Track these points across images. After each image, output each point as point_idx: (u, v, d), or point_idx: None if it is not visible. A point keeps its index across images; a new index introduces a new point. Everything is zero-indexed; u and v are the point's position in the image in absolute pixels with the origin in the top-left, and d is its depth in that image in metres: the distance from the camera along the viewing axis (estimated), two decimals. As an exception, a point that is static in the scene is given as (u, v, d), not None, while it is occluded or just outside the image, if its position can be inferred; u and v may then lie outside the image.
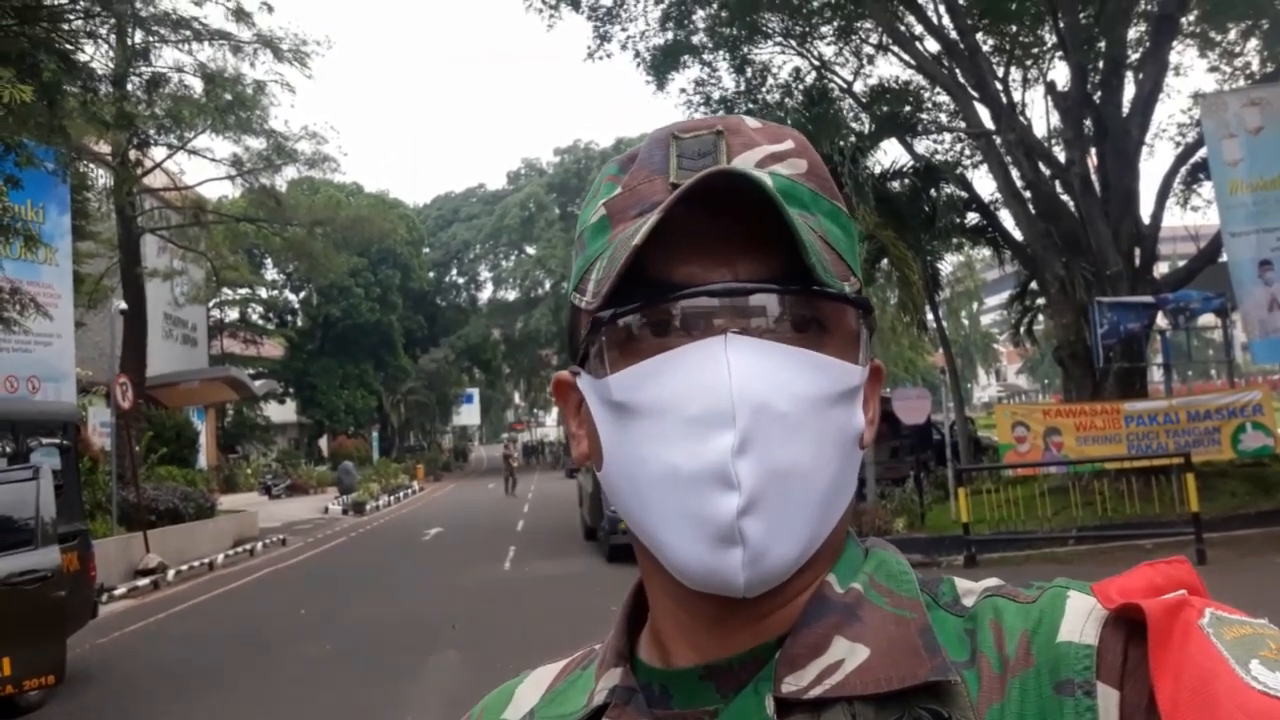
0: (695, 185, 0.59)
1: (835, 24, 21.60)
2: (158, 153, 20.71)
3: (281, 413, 45.28)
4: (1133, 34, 18.67)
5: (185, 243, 22.95)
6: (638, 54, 21.27)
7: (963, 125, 19.26)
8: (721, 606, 0.62)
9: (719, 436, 0.58)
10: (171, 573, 15.69)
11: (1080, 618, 0.58)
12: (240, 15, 16.41)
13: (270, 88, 18.25)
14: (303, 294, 46.43)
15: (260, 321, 44.66)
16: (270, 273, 42.91)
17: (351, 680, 8.47)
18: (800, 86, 21.54)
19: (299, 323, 46.88)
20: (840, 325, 0.63)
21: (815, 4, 20.87)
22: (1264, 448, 13.71)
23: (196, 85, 16.91)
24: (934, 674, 0.57)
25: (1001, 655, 0.59)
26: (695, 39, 21.47)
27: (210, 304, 35.47)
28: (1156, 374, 20.01)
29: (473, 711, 0.80)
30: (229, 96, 16.69)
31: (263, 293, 43.61)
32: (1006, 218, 18.92)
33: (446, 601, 12.49)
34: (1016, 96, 19.43)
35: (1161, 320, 16.47)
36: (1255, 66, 21.50)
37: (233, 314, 41.69)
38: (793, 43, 21.81)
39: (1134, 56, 18.26)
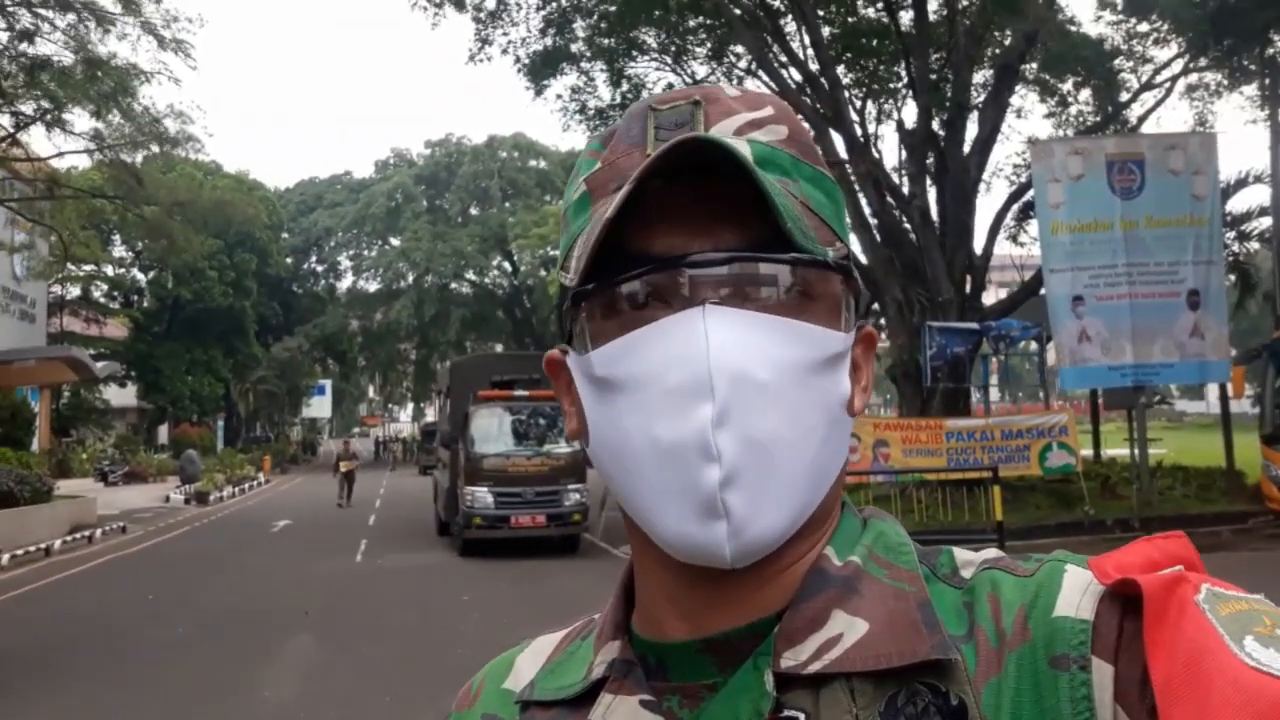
0: (665, 154, 0.59)
1: (708, 45, 22.50)
2: (7, 120, 19.93)
3: (121, 396, 43.49)
4: (978, 78, 20.18)
5: (34, 215, 22.04)
6: (518, 59, 21.68)
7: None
8: (715, 577, 0.62)
9: (698, 408, 0.57)
10: (5, 557, 15.20)
11: (1077, 592, 0.58)
12: (128, 4, 16.43)
13: (152, 76, 18.27)
14: (151, 274, 44.70)
15: (104, 300, 42.81)
16: (118, 249, 41.21)
17: (206, 662, 8.65)
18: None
19: (145, 303, 45.09)
20: (823, 291, 0.62)
21: (690, 24, 21.71)
22: (1067, 465, 15.19)
23: (67, 58, 16.79)
24: (934, 652, 0.57)
25: (999, 629, 0.59)
26: (575, 47, 21.99)
27: (51, 280, 33.88)
28: (993, 394, 21.59)
29: (474, 679, 0.80)
30: (112, 83, 16.52)
31: (109, 270, 41.83)
32: (854, 242, 20.16)
33: (298, 590, 12.60)
34: (871, 129, 20.75)
35: (987, 345, 17.88)
36: (1088, 113, 23.53)
37: (75, 291, 39.84)
38: (668, 59, 22.58)
39: (979, 99, 19.75)
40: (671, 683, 0.65)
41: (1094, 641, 0.55)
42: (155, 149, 21.50)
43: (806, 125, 0.70)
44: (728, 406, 0.57)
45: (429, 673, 8.05)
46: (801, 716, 0.58)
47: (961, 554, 0.66)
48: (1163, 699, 0.51)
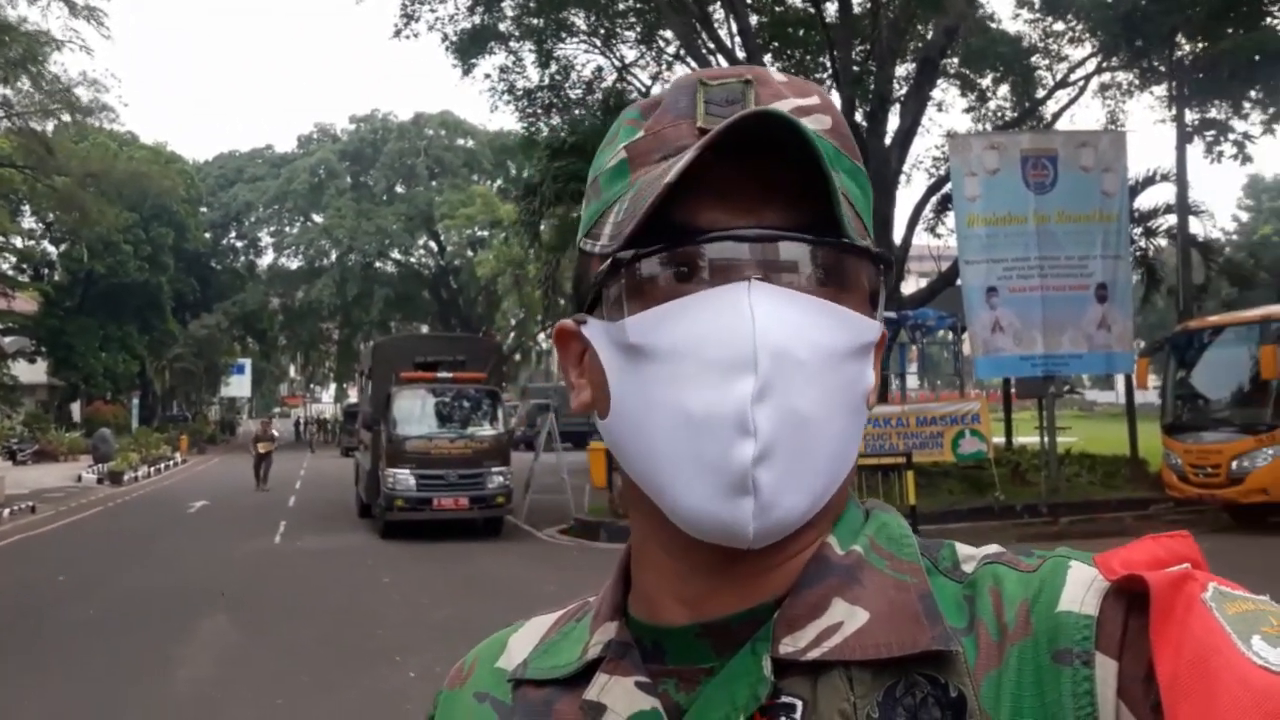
0: (735, 124, 0.58)
1: (637, 29, 22.56)
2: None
3: (31, 373, 42.03)
4: (901, 71, 20.58)
5: (-65, 184, 21.26)
6: (445, 36, 21.48)
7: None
8: (724, 559, 0.61)
9: (739, 382, 0.57)
10: (-94, 536, 14.76)
11: (1081, 588, 0.57)
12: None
13: (63, 44, 17.68)
14: (63, 246, 43.26)
15: (12, 273, 41.31)
16: (27, 221, 39.80)
17: (119, 643, 8.54)
18: (602, 85, 22.34)
19: (56, 277, 43.63)
20: (860, 280, 0.62)
21: (620, 6, 21.75)
22: (978, 452, 15.67)
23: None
24: (934, 643, 0.57)
25: (1000, 623, 0.58)
26: (503, 26, 21.86)
27: (-45, 251, 32.69)
28: (910, 381, 22.12)
29: (466, 658, 0.79)
30: (20, 49, 15.93)
31: (17, 242, 40.38)
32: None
33: (215, 571, 12.45)
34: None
35: (905, 334, 18.33)
36: (1006, 109, 24.17)
37: (-19, 263, 38.41)
38: (597, 42, 22.59)
39: (901, 91, 20.15)
40: (668, 666, 0.64)
41: (1098, 637, 0.55)
42: (67, 118, 20.90)
43: (844, 118, 0.70)
44: (769, 382, 0.57)
45: (349, 653, 8.06)
46: (799, 703, 0.58)
47: (963, 548, 0.66)
48: (1168, 696, 0.51)
